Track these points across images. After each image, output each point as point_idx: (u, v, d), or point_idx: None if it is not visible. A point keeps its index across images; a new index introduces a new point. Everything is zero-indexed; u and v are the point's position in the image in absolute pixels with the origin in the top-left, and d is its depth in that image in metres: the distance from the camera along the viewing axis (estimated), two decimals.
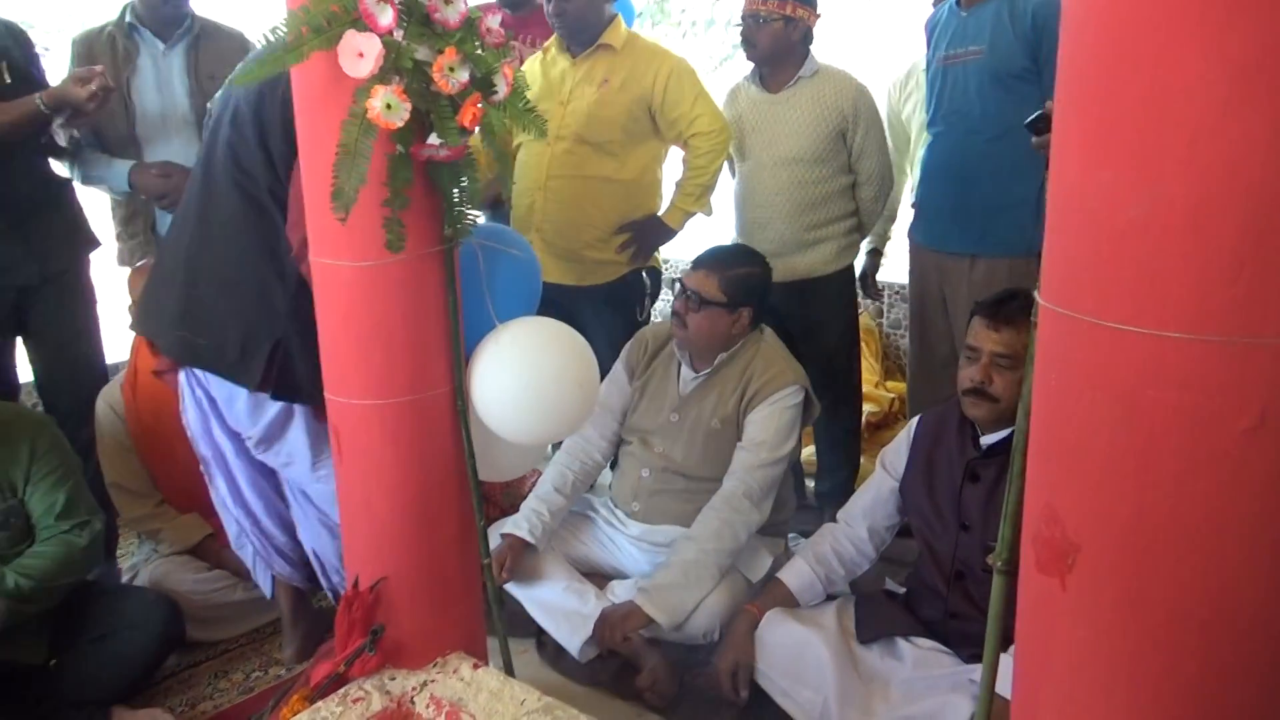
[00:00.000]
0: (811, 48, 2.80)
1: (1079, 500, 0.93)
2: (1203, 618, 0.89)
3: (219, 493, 2.14)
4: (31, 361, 2.60)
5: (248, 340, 1.86)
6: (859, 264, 3.08)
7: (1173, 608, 0.90)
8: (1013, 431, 1.90)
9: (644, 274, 2.91)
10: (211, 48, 2.70)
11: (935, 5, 2.88)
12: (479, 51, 1.48)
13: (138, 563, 2.58)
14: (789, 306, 2.93)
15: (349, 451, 1.72)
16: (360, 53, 1.39)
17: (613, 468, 2.66)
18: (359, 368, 1.65)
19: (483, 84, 1.51)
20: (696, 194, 2.81)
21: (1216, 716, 0.91)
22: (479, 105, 1.49)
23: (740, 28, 2.78)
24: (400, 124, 1.42)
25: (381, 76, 1.41)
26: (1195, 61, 0.77)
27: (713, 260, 2.31)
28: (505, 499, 2.83)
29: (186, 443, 2.22)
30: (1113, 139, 0.83)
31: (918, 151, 3.20)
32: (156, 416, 2.51)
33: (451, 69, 1.44)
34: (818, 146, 2.77)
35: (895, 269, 3.66)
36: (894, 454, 2.16)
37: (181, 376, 2.01)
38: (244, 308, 1.86)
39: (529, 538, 2.30)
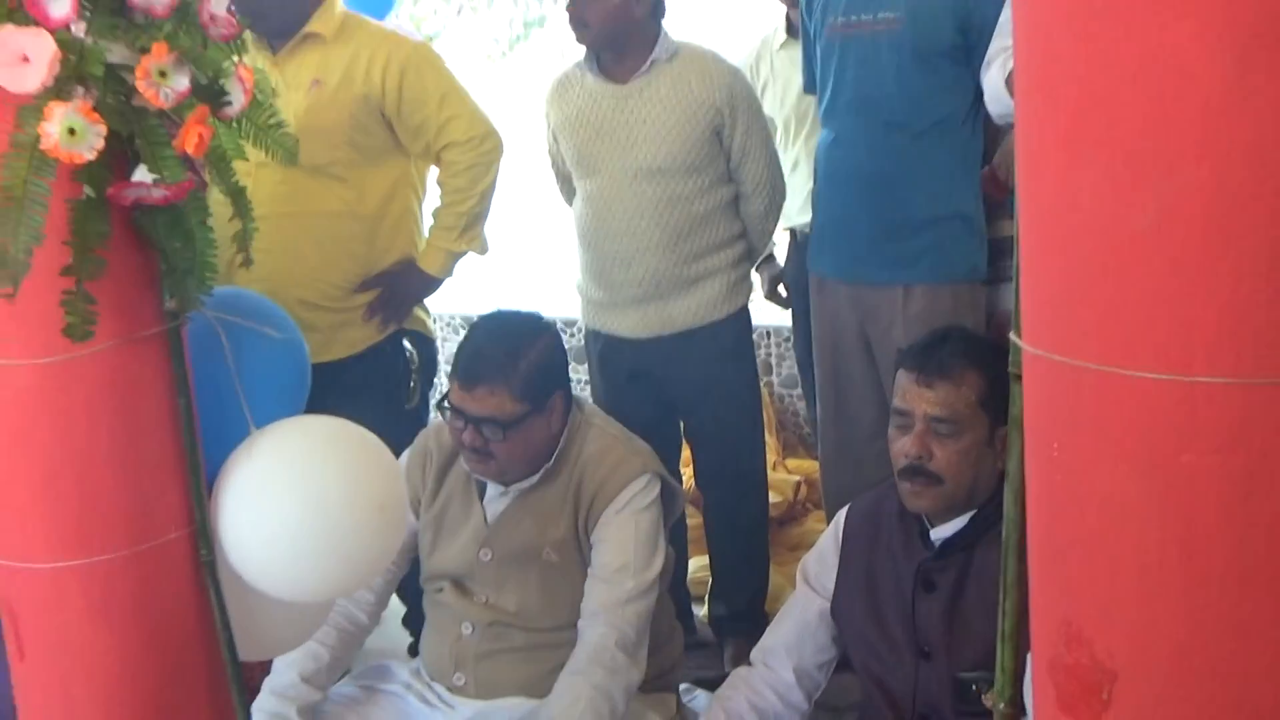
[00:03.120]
0: (664, 23, 2.88)
1: (1110, 612, 0.96)
2: None
3: None
4: None
5: None
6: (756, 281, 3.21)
7: None
8: (972, 520, 1.99)
9: (405, 341, 2.89)
10: None
11: None
12: (202, 48, 1.44)
13: None
14: (666, 369, 2.98)
15: (34, 644, 1.61)
16: (24, 56, 1.34)
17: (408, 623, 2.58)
18: (43, 514, 1.56)
19: (209, 92, 1.47)
20: (461, 226, 2.84)
21: None
22: (206, 122, 1.45)
23: (568, 3, 2.84)
24: (91, 155, 1.37)
25: (59, 89, 1.36)
26: (1202, 24, 0.81)
27: (486, 364, 2.21)
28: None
29: None
30: (1098, 128, 0.87)
31: (803, 151, 3.33)
32: None
33: (163, 74, 1.41)
34: (688, 151, 2.85)
35: (773, 312, 3.78)
36: (818, 563, 2.20)
37: None
38: None
39: None
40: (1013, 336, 1.00)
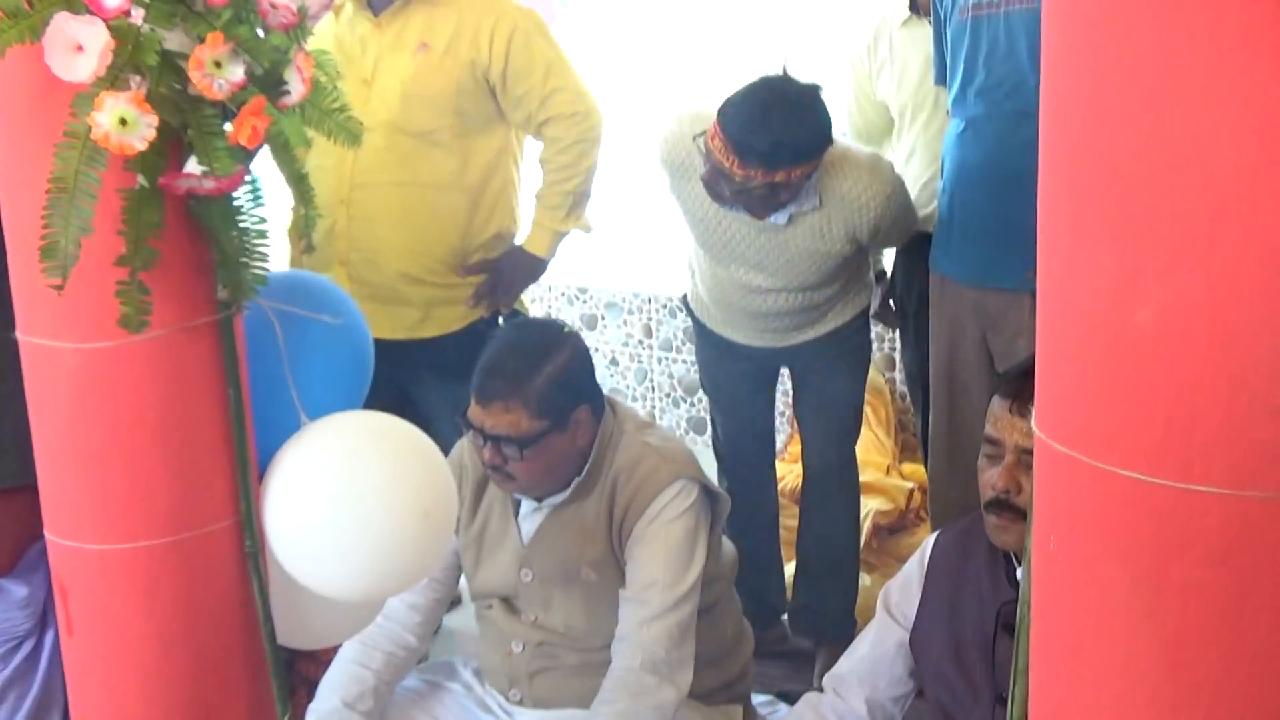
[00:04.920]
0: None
1: (1099, 716, 0.93)
2: None
3: None
4: None
5: None
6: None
7: None
8: None
9: (500, 320, 2.92)
10: None
11: None
12: (260, 37, 1.48)
13: None
14: (779, 360, 3.04)
15: (83, 620, 1.69)
16: (79, 45, 1.37)
17: None
18: (92, 496, 1.62)
19: (267, 82, 1.51)
20: (568, 205, 2.83)
21: None
22: (263, 113, 1.49)
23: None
24: (142, 146, 1.41)
25: (112, 79, 1.39)
26: (1215, 122, 0.79)
27: (501, 380, 2.17)
28: None
29: None
30: (1109, 215, 0.85)
31: (920, 139, 3.26)
32: None
33: (217, 64, 1.43)
34: (827, 273, 2.87)
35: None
36: (900, 591, 2.16)
37: None
38: None
39: None
40: (1030, 421, 0.98)
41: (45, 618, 2.15)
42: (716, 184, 2.63)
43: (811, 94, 2.62)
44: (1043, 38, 0.92)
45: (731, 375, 3.07)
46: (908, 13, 3.25)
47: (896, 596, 2.16)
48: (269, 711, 1.77)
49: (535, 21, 2.82)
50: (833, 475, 3.07)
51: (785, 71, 2.68)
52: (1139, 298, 0.84)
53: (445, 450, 1.81)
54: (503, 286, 2.88)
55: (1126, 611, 0.90)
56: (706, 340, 3.10)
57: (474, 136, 2.80)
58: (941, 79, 2.89)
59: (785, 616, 3.25)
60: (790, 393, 3.21)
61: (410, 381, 2.85)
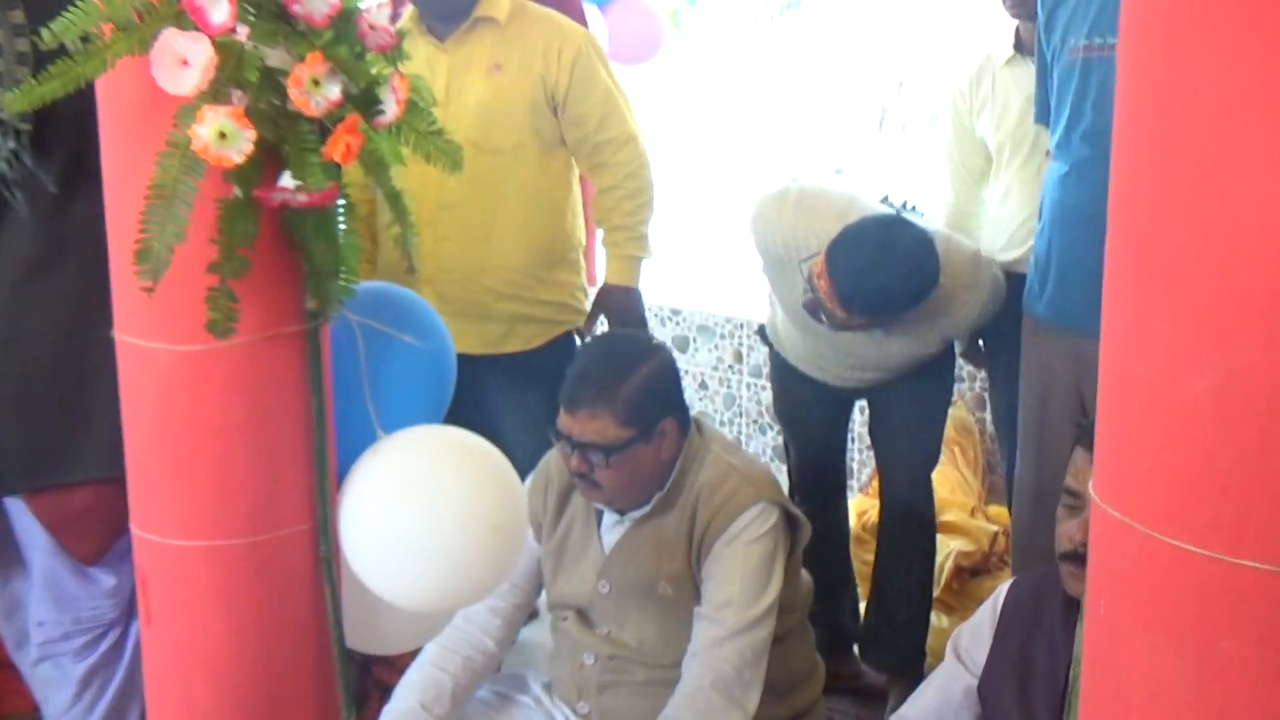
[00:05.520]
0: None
1: None
2: None
3: None
4: None
5: None
6: None
7: None
8: None
9: (576, 336, 2.97)
10: None
11: None
12: (357, 58, 1.51)
13: None
14: (858, 393, 3.00)
15: (161, 612, 1.73)
16: (184, 59, 1.42)
17: None
18: (176, 493, 1.67)
19: (362, 100, 1.54)
20: (643, 232, 2.89)
21: None
22: (358, 131, 1.52)
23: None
24: (239, 159, 1.45)
25: (214, 92, 1.44)
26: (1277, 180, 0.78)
27: (590, 388, 2.20)
28: None
29: None
30: (1170, 283, 0.84)
31: (1017, 179, 3.22)
32: None
33: (315, 82, 1.47)
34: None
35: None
36: (971, 636, 2.14)
37: None
38: None
39: None
40: (1089, 485, 0.97)
41: (131, 608, 2.21)
42: (817, 313, 2.66)
43: (924, 247, 2.63)
44: (1115, 114, 0.92)
45: (807, 403, 3.07)
46: (1012, 51, 3.21)
47: (967, 641, 2.14)
48: (334, 714, 1.79)
49: (596, 46, 2.90)
50: (908, 508, 3.04)
51: (900, 213, 2.68)
52: (1198, 369, 0.83)
53: (517, 464, 1.83)
54: (620, 324, 2.96)
55: (1172, 682, 0.88)
56: (782, 369, 3.10)
57: (548, 152, 2.87)
58: (1041, 118, 2.86)
59: (858, 651, 3.23)
60: (868, 424, 3.19)
61: (486, 395, 2.90)
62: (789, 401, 3.13)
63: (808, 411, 3.09)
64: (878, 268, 2.54)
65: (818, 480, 3.11)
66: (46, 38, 1.41)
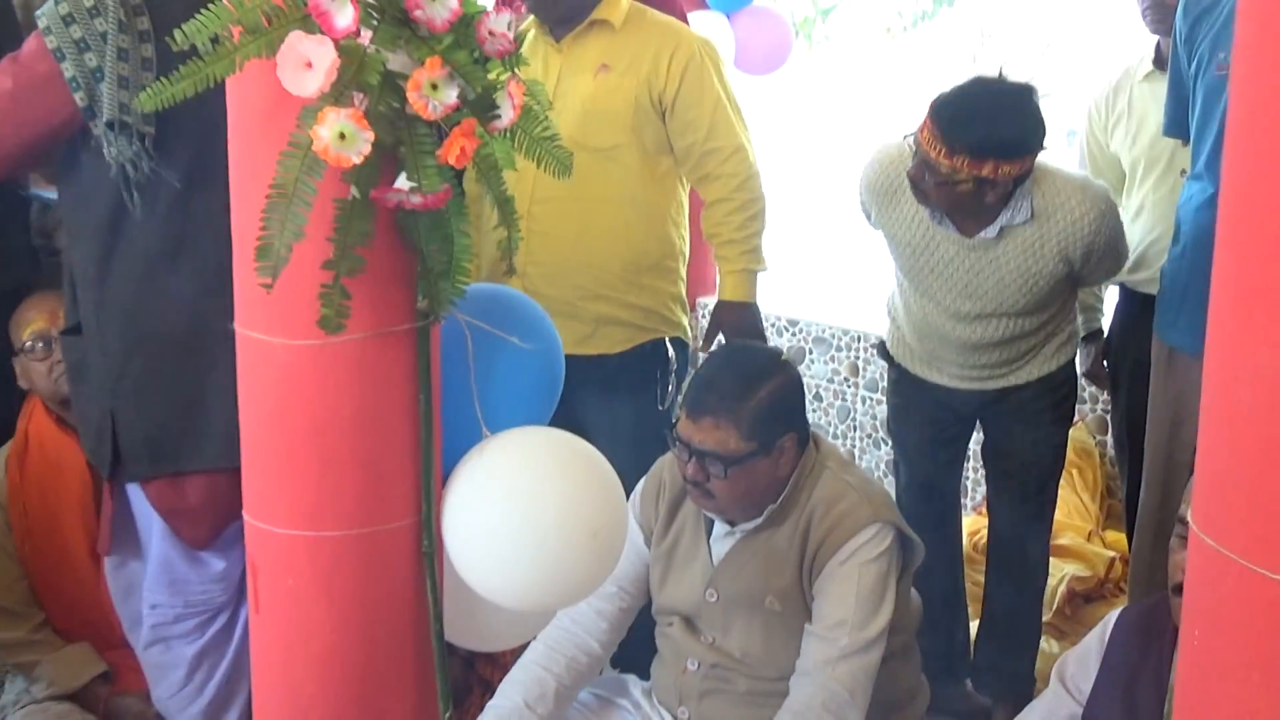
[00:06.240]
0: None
1: None
2: None
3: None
4: None
5: None
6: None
7: None
8: None
9: (667, 343, 2.94)
10: None
11: None
12: (475, 64, 1.54)
13: (4, 704, 2.69)
14: (975, 409, 2.97)
15: (269, 599, 1.78)
16: (309, 62, 1.46)
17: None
18: (288, 483, 1.72)
19: (479, 105, 1.57)
20: (756, 244, 2.88)
21: None
22: (474, 135, 1.55)
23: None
24: (358, 160, 1.49)
25: (336, 95, 1.48)
26: None
27: (716, 397, 2.20)
28: None
29: (85, 542, 2.34)
30: (1273, 309, 0.81)
31: (1150, 197, 3.14)
32: (49, 505, 2.64)
33: (434, 87, 1.50)
34: (1034, 298, 2.80)
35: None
36: (1078, 664, 2.10)
37: None
38: None
39: None
40: (1187, 511, 0.95)
41: (241, 593, 2.28)
42: (921, 178, 2.61)
43: (1026, 92, 2.60)
44: (1225, 136, 0.89)
45: (923, 423, 3.02)
46: (1151, 66, 3.13)
47: (1073, 669, 2.11)
48: (432, 707, 1.82)
49: (711, 52, 2.89)
50: (1022, 531, 2.98)
51: (1001, 73, 2.65)
52: None
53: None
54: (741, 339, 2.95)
55: (1265, 717, 0.86)
56: (902, 386, 3.06)
57: (650, 156, 2.87)
58: (1172, 131, 2.78)
59: (968, 676, 3.18)
60: (982, 444, 3.13)
61: (570, 396, 2.92)
62: (905, 424, 3.09)
63: (922, 433, 3.03)
64: (980, 103, 2.56)
65: (928, 499, 3.06)
66: (179, 39, 1.47)
